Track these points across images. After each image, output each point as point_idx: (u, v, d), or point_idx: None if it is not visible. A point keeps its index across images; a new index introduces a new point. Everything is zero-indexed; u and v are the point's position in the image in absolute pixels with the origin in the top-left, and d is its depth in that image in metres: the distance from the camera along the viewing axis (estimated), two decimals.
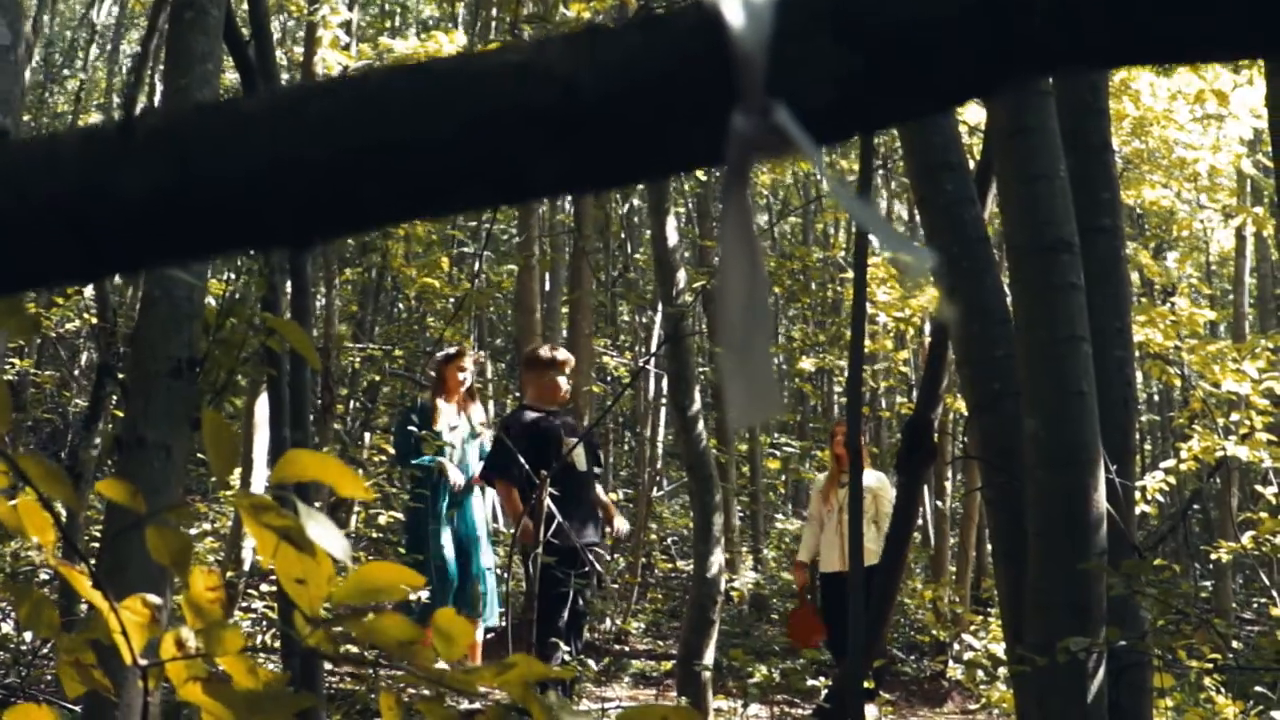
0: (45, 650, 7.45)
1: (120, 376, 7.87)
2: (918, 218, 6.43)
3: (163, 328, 3.36)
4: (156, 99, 13.37)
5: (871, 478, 10.00)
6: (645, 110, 0.72)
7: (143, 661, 1.56)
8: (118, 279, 10.88)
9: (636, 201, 20.13)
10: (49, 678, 7.37)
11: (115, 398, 8.49)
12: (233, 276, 13.28)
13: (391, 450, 14.04)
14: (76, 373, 17.55)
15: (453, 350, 10.07)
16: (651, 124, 0.73)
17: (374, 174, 0.74)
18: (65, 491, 1.46)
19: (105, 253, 0.79)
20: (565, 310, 15.98)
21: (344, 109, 0.74)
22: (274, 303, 3.86)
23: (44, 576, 9.02)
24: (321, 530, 1.39)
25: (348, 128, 0.73)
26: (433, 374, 10.16)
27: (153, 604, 1.56)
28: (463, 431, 9.58)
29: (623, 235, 21.18)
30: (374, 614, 1.50)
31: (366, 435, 15.66)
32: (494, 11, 15.91)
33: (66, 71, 22.61)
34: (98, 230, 0.76)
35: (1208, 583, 16.38)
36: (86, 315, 14.56)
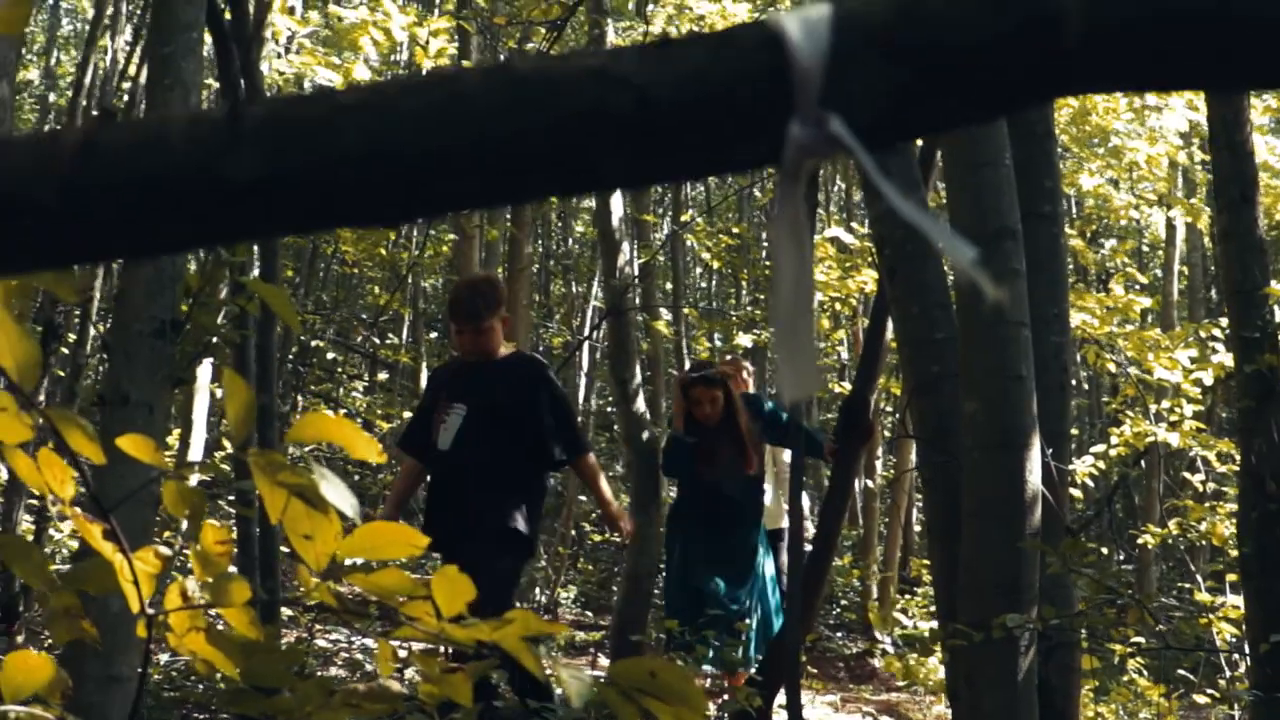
0: None
1: (65, 334, 7.89)
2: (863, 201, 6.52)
3: (147, 288, 3.42)
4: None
5: None
6: (711, 117, 0.80)
7: (150, 610, 1.63)
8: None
9: None
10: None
11: (53, 356, 8.49)
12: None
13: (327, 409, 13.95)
14: None
15: (697, 373, 8.70)
16: (717, 129, 0.81)
17: (458, 166, 0.82)
18: (92, 448, 1.53)
19: (203, 231, 0.86)
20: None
21: (436, 105, 0.81)
22: (242, 266, 3.89)
23: None
24: (333, 489, 1.47)
25: (439, 123, 0.81)
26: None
27: (164, 555, 1.63)
28: None
29: (557, 212, 21.20)
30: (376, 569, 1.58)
31: (299, 398, 15.69)
32: None
33: (30, 57, 22.46)
34: (198, 210, 0.84)
35: (1128, 567, 16.63)
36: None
